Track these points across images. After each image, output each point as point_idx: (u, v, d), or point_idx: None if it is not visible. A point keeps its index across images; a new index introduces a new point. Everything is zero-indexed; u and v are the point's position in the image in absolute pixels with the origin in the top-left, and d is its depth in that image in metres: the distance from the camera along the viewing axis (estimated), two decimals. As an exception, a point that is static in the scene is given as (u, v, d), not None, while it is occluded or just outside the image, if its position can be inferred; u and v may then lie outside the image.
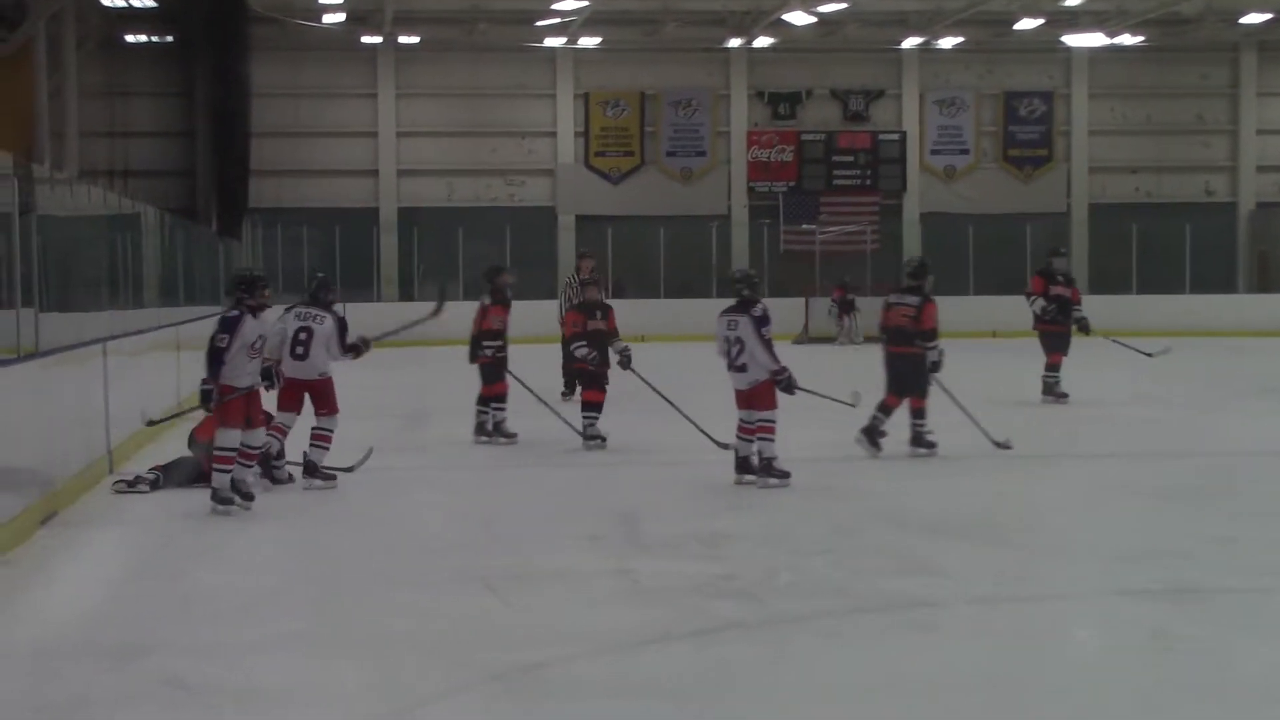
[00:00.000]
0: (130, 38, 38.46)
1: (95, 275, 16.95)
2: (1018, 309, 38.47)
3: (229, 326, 12.53)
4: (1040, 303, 20.82)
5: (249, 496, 12.54)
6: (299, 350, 13.77)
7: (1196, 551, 10.94)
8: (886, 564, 10.50)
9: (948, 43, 41.19)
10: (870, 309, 37.42)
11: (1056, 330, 20.79)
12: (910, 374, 15.59)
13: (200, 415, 14.23)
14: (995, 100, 43.34)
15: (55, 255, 14.19)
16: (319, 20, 37.83)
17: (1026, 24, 39.14)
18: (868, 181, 42.42)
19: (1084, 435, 17.70)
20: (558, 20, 38.53)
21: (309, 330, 13.81)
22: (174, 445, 14.62)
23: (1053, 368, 20.75)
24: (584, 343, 16.58)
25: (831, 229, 41.17)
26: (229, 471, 12.42)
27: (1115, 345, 21.67)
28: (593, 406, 16.41)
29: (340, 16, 37.66)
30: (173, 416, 15.44)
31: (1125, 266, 40.96)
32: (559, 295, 20.03)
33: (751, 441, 13.86)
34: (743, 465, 13.93)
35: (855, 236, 40.96)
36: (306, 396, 13.90)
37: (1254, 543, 11.23)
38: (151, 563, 10.84)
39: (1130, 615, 9.12)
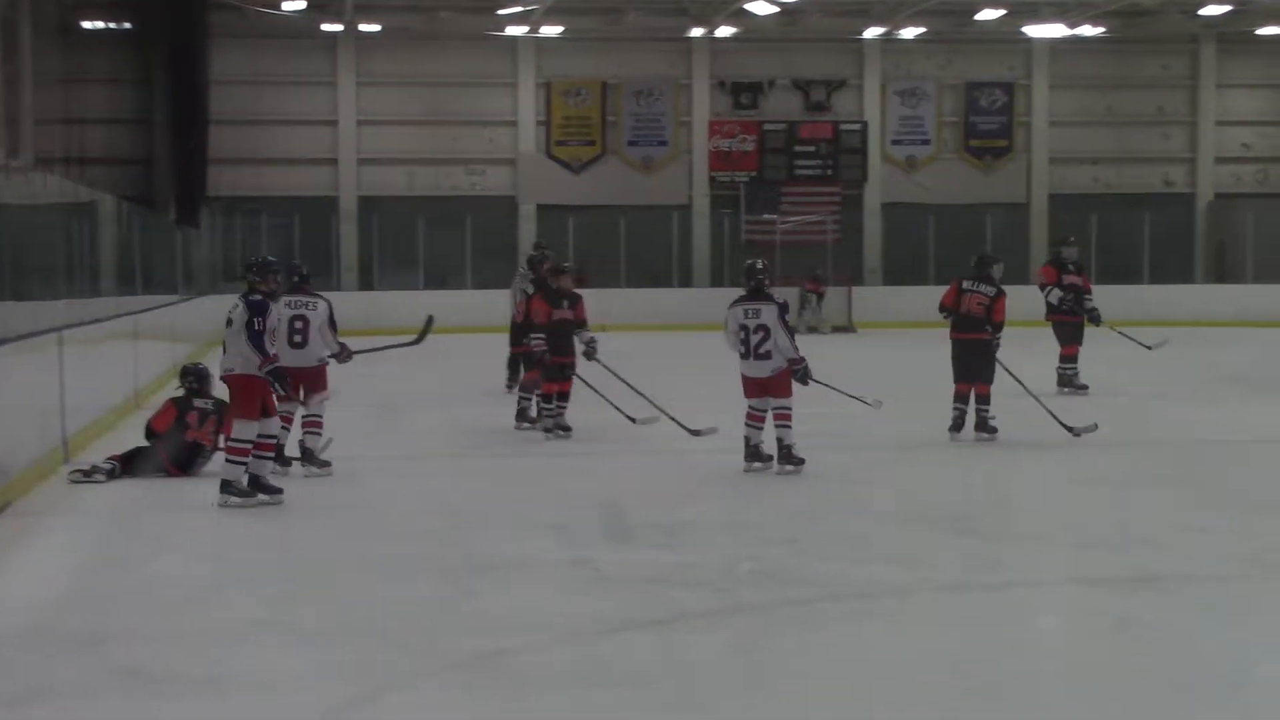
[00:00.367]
0: (87, 24, 38.33)
1: (51, 264, 16.85)
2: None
3: (261, 309, 12.20)
4: (1057, 293, 20.33)
5: (277, 490, 12.34)
6: (297, 338, 13.69)
7: (1163, 540, 10.99)
8: (850, 552, 10.52)
9: (909, 33, 41.23)
10: (837, 298, 37.67)
11: (1072, 321, 20.40)
12: (980, 360, 15.95)
13: (157, 405, 14.18)
14: (956, 91, 43.40)
15: (10, 244, 14.12)
16: (278, 7, 37.66)
17: (988, 14, 39.22)
18: (829, 171, 42.43)
19: (1054, 424, 17.72)
20: (519, 9, 38.43)
21: (304, 318, 13.78)
22: (130, 435, 14.53)
23: (1069, 359, 20.36)
24: (541, 335, 16.19)
25: (792, 219, 41.25)
26: (244, 464, 12.18)
27: (1118, 336, 21.34)
28: (560, 397, 16.31)
29: (300, 4, 37.53)
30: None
31: (1084, 257, 40.96)
32: (512, 286, 19.77)
33: (760, 429, 13.93)
34: (753, 453, 13.95)
35: (816, 227, 41.04)
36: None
37: (1220, 531, 11.28)
38: (109, 552, 10.79)
39: (1096, 603, 9.15)
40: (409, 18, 39.79)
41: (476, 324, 31.15)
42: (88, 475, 13.39)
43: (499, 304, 29.07)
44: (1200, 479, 14.03)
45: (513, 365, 19.51)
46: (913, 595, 9.29)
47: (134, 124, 39.30)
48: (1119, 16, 40.27)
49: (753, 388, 13.95)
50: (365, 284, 39.88)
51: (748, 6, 37.34)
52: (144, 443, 13.82)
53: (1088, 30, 40.79)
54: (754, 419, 14.00)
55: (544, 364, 16.20)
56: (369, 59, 41.25)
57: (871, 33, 41.27)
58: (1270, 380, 22.34)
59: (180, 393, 14.10)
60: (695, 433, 15.75)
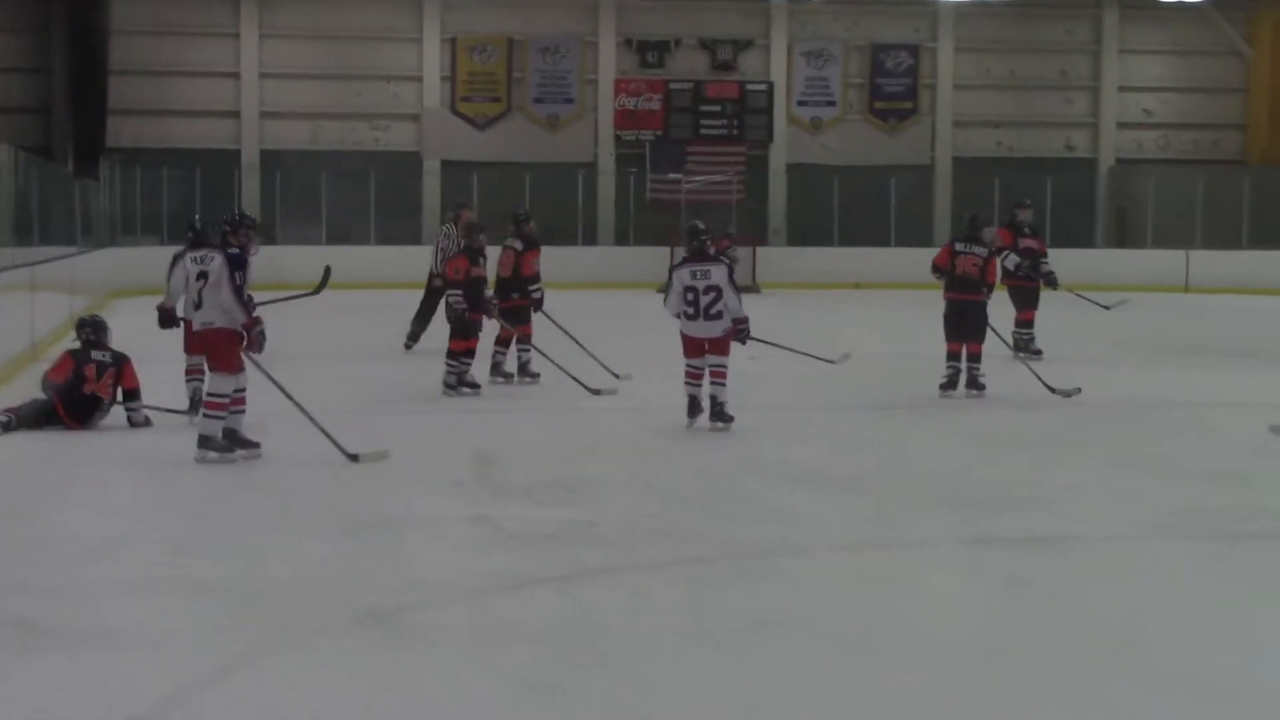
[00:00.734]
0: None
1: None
2: (882, 260, 39.19)
3: (240, 263, 12.25)
4: (1014, 258, 19.91)
5: (254, 444, 12.36)
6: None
7: (1051, 500, 11.09)
8: (749, 512, 10.57)
9: (816, -7, 41.31)
10: (741, 258, 37.66)
11: (1029, 285, 20.14)
12: (974, 320, 16.41)
13: (54, 357, 14.11)
14: (862, 53, 43.49)
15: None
16: (181, -43, 37.34)
17: (894, -24, 39.34)
18: (734, 132, 42.47)
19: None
20: (425, -38, 38.27)
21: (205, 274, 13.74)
22: (27, 387, 14.44)
23: (1025, 324, 20.13)
24: (459, 292, 16.24)
25: (698, 178, 41.21)
26: (222, 418, 12.18)
27: (1075, 299, 21.34)
28: (467, 354, 16.30)
29: (202, -47, 37.19)
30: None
31: (988, 220, 41.15)
32: (434, 244, 19.70)
33: (700, 386, 14.05)
34: (695, 408, 14.07)
35: (721, 186, 41.02)
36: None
37: (1106, 491, 11.42)
38: (3, 504, 10.72)
39: (986, 562, 9.27)
40: (313, -31, 39.55)
41: (378, 279, 31.10)
42: None
43: (401, 259, 29.03)
44: (1092, 440, 14.17)
45: (421, 322, 19.56)
46: (807, 554, 9.37)
47: (31, 73, 38.94)
48: (1024, -20, 40.46)
49: (694, 347, 14.06)
50: (267, 240, 39.50)
51: (655, -36, 37.30)
52: (40, 395, 13.75)
53: (993, -7, 40.96)
54: (694, 377, 14.12)
55: (462, 321, 16.22)
56: (272, 11, 40.98)
57: (778, -8, 41.32)
58: (1168, 343, 22.58)
59: (77, 345, 14.02)
60: (595, 391, 15.82)
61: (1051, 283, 20.07)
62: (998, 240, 18.94)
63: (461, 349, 16.25)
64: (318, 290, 14.04)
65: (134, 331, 21.95)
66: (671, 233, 37.59)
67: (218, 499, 10.97)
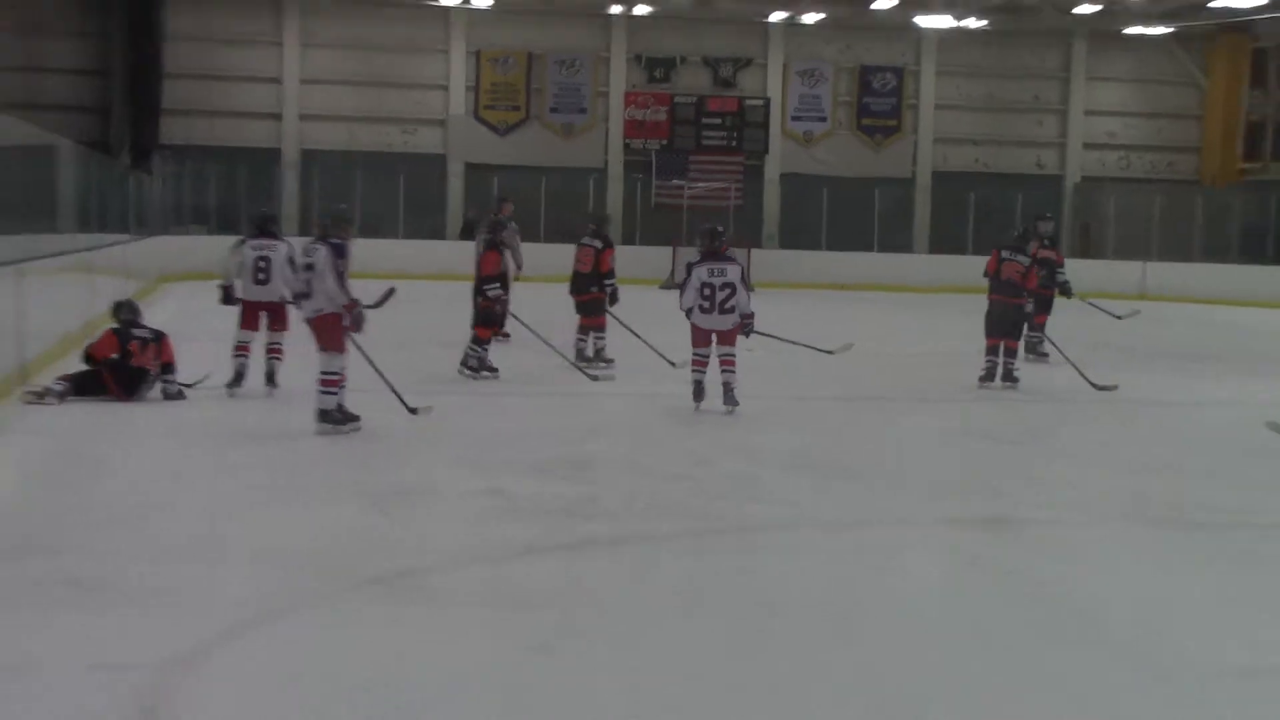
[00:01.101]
0: (51, -20, 38.02)
1: (11, 201, 16.70)
2: (866, 264, 39.24)
3: (342, 253, 12.42)
4: (1040, 272, 18.90)
5: (356, 417, 12.43)
6: (261, 276, 14.51)
7: (1009, 488, 11.14)
8: (740, 491, 10.58)
9: (811, 18, 41.21)
10: (740, 259, 37.67)
11: (1043, 293, 19.32)
12: (1013, 320, 16.87)
13: (99, 334, 14.15)
14: (851, 73, 43.47)
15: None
16: (231, -28, 37.38)
17: (882, 4, 39.27)
18: (733, 143, 42.46)
19: (924, 382, 17.85)
20: (453, -19, 38.31)
21: (267, 258, 14.45)
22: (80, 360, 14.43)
23: (1037, 327, 19.50)
24: (498, 283, 16.42)
25: (699, 185, 41.33)
26: (336, 394, 12.33)
27: (1089, 307, 20.95)
28: (489, 341, 16.36)
29: (251, -31, 37.24)
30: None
31: (963, 230, 41.38)
32: (477, 236, 19.59)
33: (704, 372, 14.21)
34: (700, 393, 14.19)
35: (720, 193, 41.11)
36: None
37: (1059, 480, 11.47)
38: (54, 471, 10.73)
39: (952, 540, 9.30)
40: (351, -15, 39.56)
41: (405, 271, 31.09)
42: (40, 397, 13.32)
43: (427, 253, 28.96)
44: (1050, 434, 14.23)
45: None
46: (792, 531, 9.37)
47: (92, 75, 38.97)
48: (1001, 11, 40.43)
49: (703, 338, 14.20)
50: (304, 231, 39.58)
51: (664, -12, 37.31)
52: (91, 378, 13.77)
53: (972, 23, 40.90)
54: (700, 365, 14.25)
55: (493, 312, 16.44)
56: (312, 22, 40.97)
57: (776, 16, 41.28)
58: (1125, 345, 22.56)
59: (115, 324, 14.07)
60: (594, 378, 15.84)
61: (1066, 291, 19.68)
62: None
63: (486, 336, 16.32)
64: (378, 305, 14.00)
65: (182, 313, 21.97)
66: (674, 234, 37.71)
67: (251, 469, 10.96)
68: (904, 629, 7.15)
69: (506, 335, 17.83)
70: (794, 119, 43.17)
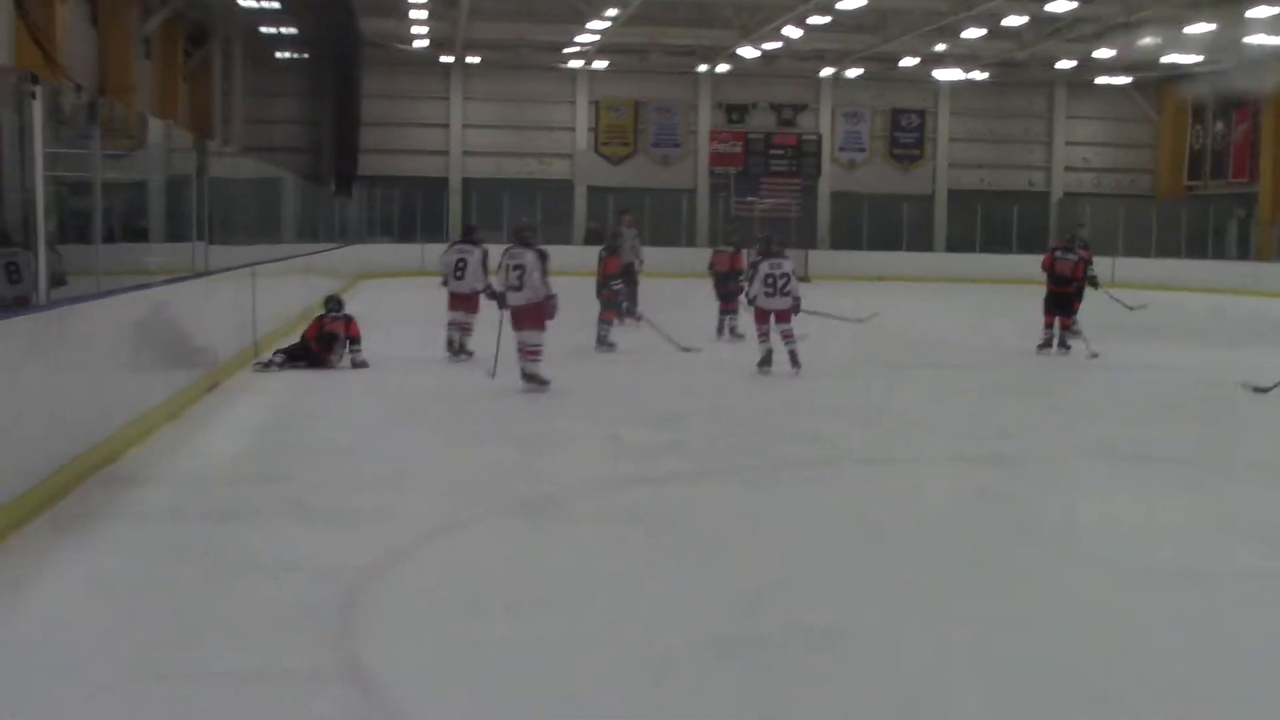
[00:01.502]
0: (279, 54, 38.47)
1: (248, 220, 16.95)
2: (897, 261, 39.06)
3: (546, 257, 12.58)
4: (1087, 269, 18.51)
5: (548, 381, 12.46)
6: (458, 273, 14.77)
7: (1013, 431, 11.04)
8: (796, 436, 10.57)
9: (852, 73, 40.92)
10: (796, 258, 37.54)
11: (1082, 286, 18.41)
12: (1066, 303, 17.25)
13: (311, 319, 14.35)
14: (885, 115, 43.11)
15: (220, 205, 14.20)
16: (410, 44, 37.57)
17: (908, 62, 38.91)
18: (793, 168, 42.21)
19: (942, 351, 17.74)
20: (578, 48, 38.28)
21: (464, 261, 14.81)
22: (296, 337, 14.60)
23: (1074, 311, 18.27)
24: (620, 280, 16.73)
25: (767, 201, 41.21)
26: (540, 361, 12.46)
27: (1108, 298, 20.19)
28: (608, 322, 16.48)
29: (425, 42, 37.47)
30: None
31: (972, 235, 41.08)
32: (605, 244, 19.40)
33: (768, 344, 14.20)
34: (766, 360, 14.18)
35: (783, 207, 40.95)
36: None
37: (1054, 426, 11.36)
38: (283, 420, 10.89)
39: (963, 474, 9.21)
40: (500, 53, 39.55)
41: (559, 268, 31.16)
42: (265, 366, 13.53)
43: (558, 256, 28.90)
44: (1043, 389, 14.08)
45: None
46: (833, 466, 9.36)
47: (308, 124, 39.41)
48: (999, 66, 39.96)
49: (765, 316, 14.15)
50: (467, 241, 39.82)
51: (739, 51, 37.10)
52: (301, 349, 14.02)
53: (977, 75, 40.56)
54: (766, 336, 14.20)
55: (617, 300, 16.71)
56: (472, 82, 41.15)
57: (826, 71, 41.03)
58: (1099, 323, 22.26)
59: (323, 312, 14.34)
60: (686, 350, 15.85)
61: (1094, 283, 18.83)
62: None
63: (611, 318, 16.47)
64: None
65: (374, 301, 22.16)
66: (749, 241, 37.54)
67: (427, 420, 11.07)
68: (922, 539, 7.12)
69: (637, 318, 17.67)
70: (840, 150, 42.90)
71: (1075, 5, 30.14)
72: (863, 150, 43.07)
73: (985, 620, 5.63)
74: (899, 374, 15.29)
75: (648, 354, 15.86)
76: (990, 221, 41.01)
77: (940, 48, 37.23)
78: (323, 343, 13.90)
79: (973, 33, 33.30)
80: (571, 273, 20.06)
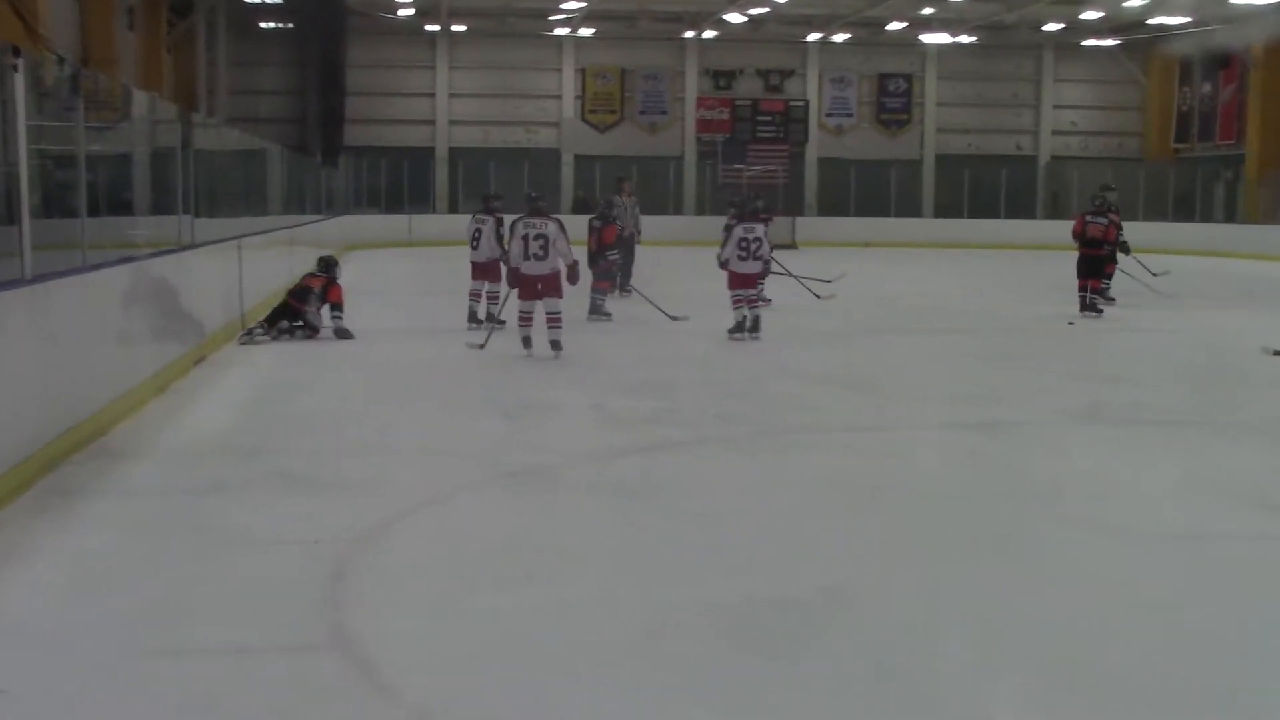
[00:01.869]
0: (263, 24, 38.33)
1: (233, 192, 16.87)
2: (885, 227, 39.10)
3: (564, 228, 12.82)
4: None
5: (561, 346, 12.70)
6: (474, 243, 14.81)
7: (1002, 395, 11.05)
8: (786, 403, 10.57)
9: (839, 38, 40.84)
10: (784, 224, 37.63)
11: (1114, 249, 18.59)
12: (1096, 265, 17.56)
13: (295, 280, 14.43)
14: (872, 80, 43.02)
15: (205, 177, 14.14)
16: (395, 13, 37.45)
17: (895, 26, 38.85)
18: (781, 135, 42.10)
19: (930, 316, 17.74)
20: (564, 15, 38.21)
21: (480, 231, 14.73)
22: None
23: (1108, 276, 18.51)
24: (616, 250, 16.78)
25: (755, 168, 41.08)
26: (561, 328, 12.72)
27: (1136, 263, 20.01)
28: (602, 291, 16.48)
29: (410, 10, 37.38)
30: None
31: (959, 199, 41.06)
32: (597, 213, 19.15)
33: (743, 309, 14.26)
34: (739, 326, 14.23)
35: (771, 174, 40.86)
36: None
37: (1040, 391, 11.35)
38: (268, 392, 10.85)
39: (953, 439, 9.20)
40: (486, 21, 39.47)
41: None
42: (250, 337, 13.53)
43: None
44: (1029, 354, 14.08)
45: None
46: (823, 433, 9.34)
47: (293, 95, 39.28)
48: (987, 29, 39.91)
49: (740, 280, 14.19)
50: (452, 210, 39.88)
51: (725, 16, 37.02)
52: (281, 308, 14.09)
53: (965, 39, 40.49)
54: (740, 302, 14.16)
55: (612, 270, 16.91)
56: (458, 49, 41.03)
57: (813, 37, 40.94)
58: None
59: (313, 269, 14.49)
60: (674, 318, 15.82)
61: (1125, 249, 18.80)
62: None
63: (605, 288, 16.55)
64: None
65: (362, 272, 22.12)
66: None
67: (413, 388, 11.05)
68: (914, 504, 7.12)
69: (628, 291, 17.68)
70: (828, 115, 42.82)
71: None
72: (850, 115, 43.00)
73: (977, 584, 5.63)
74: (888, 340, 15.28)
75: (637, 323, 15.82)
76: (978, 186, 41.00)
77: (927, 11, 37.18)
78: (296, 296, 13.92)
79: (960, -4, 33.28)
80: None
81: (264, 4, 35.31)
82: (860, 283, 18.56)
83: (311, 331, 13.85)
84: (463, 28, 39.99)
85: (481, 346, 12.98)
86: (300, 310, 13.86)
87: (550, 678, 4.50)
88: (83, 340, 8.25)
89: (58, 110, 8.86)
